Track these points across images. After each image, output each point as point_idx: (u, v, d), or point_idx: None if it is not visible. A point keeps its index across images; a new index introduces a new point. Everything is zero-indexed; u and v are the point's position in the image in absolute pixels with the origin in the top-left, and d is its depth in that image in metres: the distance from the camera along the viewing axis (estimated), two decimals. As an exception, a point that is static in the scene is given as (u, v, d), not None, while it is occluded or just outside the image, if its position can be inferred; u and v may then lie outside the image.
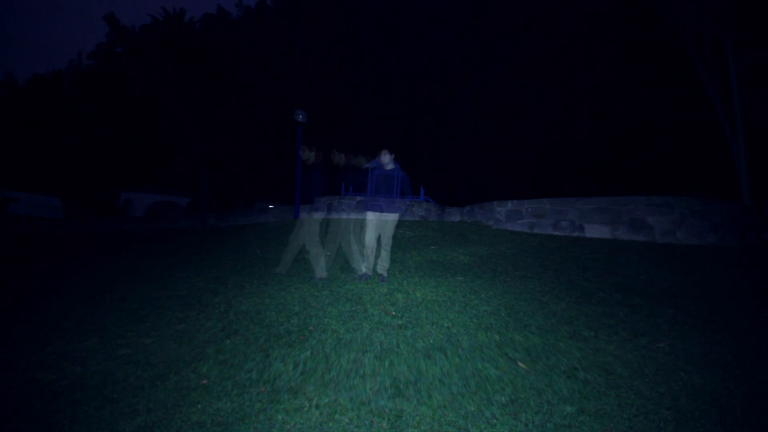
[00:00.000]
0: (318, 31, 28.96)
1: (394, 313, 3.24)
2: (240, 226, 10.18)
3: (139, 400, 2.15)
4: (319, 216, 4.83)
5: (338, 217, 5.99)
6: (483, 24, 24.60)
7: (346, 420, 1.92)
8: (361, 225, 4.73)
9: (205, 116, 28.26)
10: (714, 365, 2.47)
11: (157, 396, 2.18)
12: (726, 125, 11.86)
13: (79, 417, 2.04)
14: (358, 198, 9.22)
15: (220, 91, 29.02)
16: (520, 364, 2.41)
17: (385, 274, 4.41)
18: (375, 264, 4.50)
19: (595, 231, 6.90)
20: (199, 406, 2.07)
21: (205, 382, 2.30)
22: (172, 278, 4.50)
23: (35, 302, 3.96)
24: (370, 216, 4.46)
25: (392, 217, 4.46)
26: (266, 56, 29.05)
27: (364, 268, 4.48)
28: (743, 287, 4.14)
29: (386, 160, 4.49)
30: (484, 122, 22.78)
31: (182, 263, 5.55)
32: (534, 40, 21.97)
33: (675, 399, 2.10)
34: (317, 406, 2.02)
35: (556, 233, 7.14)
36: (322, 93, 27.12)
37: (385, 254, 4.41)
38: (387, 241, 4.40)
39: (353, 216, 5.56)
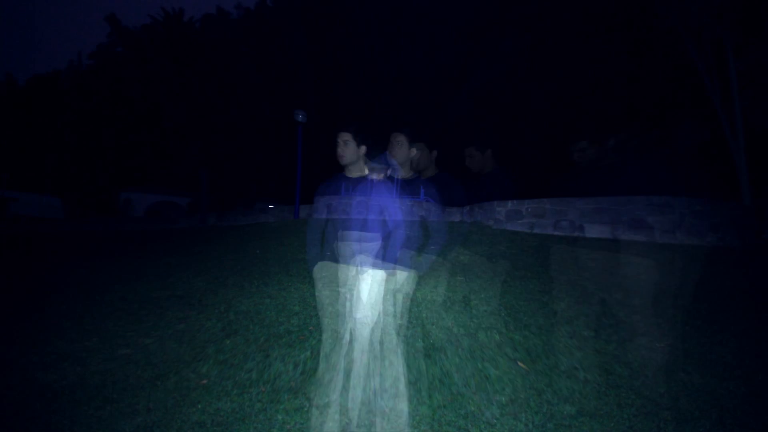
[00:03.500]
0: (318, 31, 28.94)
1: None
2: (240, 226, 10.16)
3: (139, 400, 2.15)
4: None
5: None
6: (483, 24, 24.57)
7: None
8: None
9: (205, 116, 28.25)
10: (714, 365, 2.47)
11: (157, 396, 2.18)
12: (726, 125, 11.85)
13: (79, 417, 2.04)
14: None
15: (219, 91, 29.00)
16: (520, 364, 2.41)
17: None
18: None
19: (595, 231, 6.89)
20: (199, 406, 2.06)
21: (205, 382, 2.30)
22: (172, 278, 4.49)
23: (35, 302, 3.95)
24: None
25: None
26: (266, 56, 29.03)
27: None
28: (743, 287, 4.13)
29: None
30: (484, 122, 22.75)
31: (182, 263, 5.53)
32: (534, 40, 21.94)
33: (675, 399, 2.10)
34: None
35: (556, 233, 7.14)
36: (322, 93, 27.10)
37: None
38: None
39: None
